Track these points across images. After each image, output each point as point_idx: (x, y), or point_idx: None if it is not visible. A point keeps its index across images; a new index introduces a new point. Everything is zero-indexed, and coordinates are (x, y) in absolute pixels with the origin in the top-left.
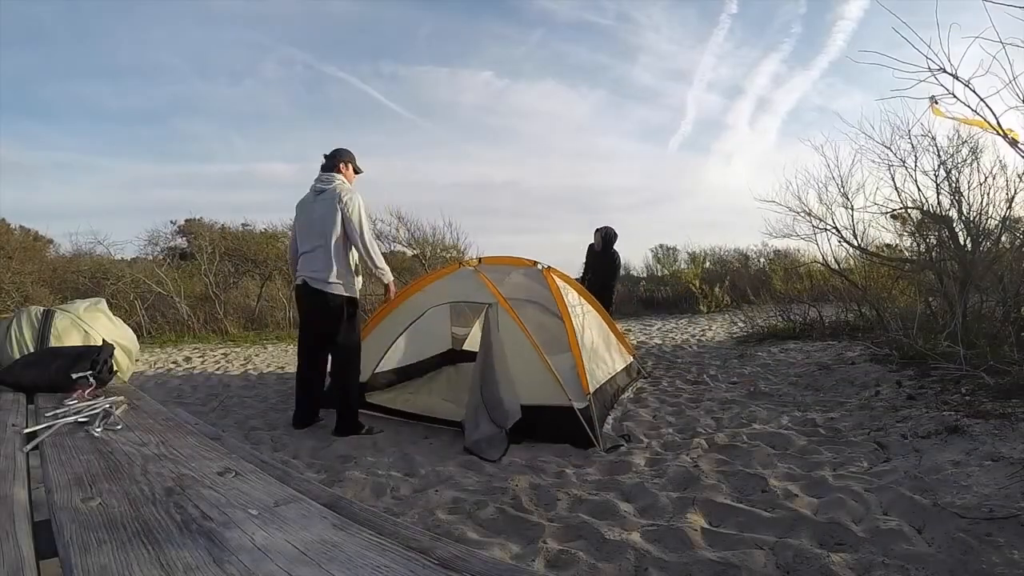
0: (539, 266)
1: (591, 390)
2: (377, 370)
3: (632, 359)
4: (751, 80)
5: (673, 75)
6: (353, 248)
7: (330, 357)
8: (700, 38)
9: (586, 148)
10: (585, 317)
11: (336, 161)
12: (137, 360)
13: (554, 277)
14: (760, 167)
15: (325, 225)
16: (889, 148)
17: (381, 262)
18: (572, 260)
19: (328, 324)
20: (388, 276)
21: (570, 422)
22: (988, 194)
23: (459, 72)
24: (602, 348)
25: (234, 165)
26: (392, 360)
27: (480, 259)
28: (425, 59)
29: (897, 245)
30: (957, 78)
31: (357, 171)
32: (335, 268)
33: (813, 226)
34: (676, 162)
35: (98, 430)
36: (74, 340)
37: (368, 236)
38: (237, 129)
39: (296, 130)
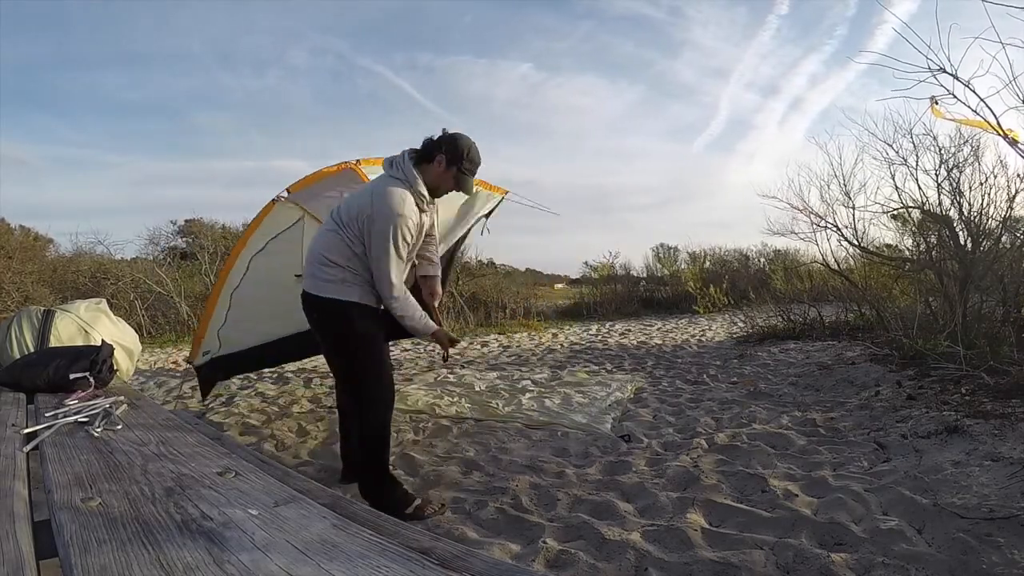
0: (350, 164)
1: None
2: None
3: None
4: (789, 80)
5: (713, 72)
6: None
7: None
8: (746, 35)
9: (611, 147)
10: None
11: (433, 150)
12: (137, 360)
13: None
14: (781, 167)
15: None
16: (891, 146)
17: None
18: (578, 259)
19: (332, 347)
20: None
21: None
22: (989, 194)
23: (498, 63)
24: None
25: (250, 161)
26: (253, 335)
27: (288, 189)
28: (464, 49)
29: (897, 245)
30: (957, 78)
31: (460, 168)
32: (331, 260)
33: (814, 224)
34: (699, 162)
35: (98, 430)
36: (75, 340)
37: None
38: (257, 123)
39: (318, 125)
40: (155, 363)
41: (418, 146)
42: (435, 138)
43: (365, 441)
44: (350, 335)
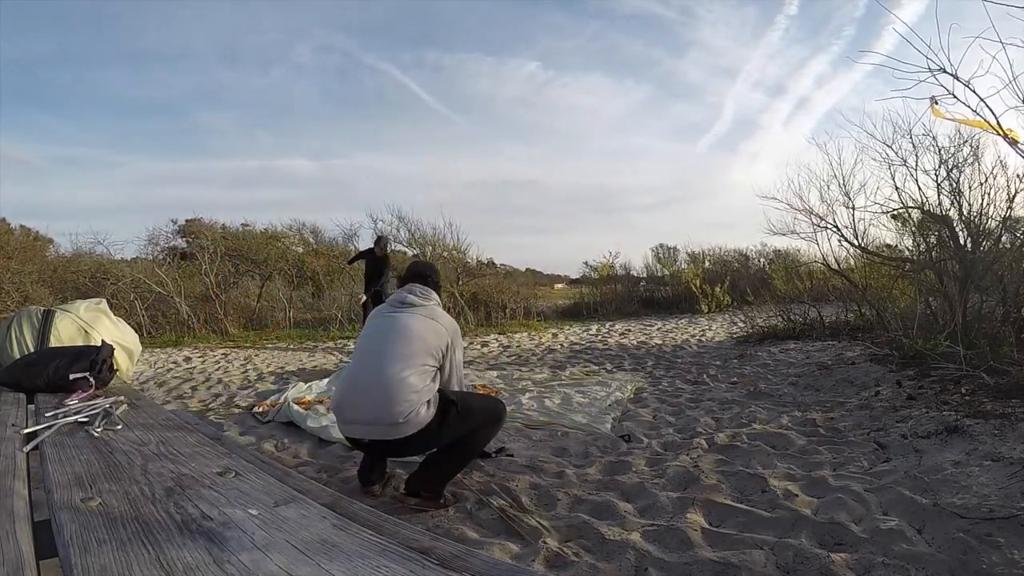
0: None
1: None
2: None
3: None
4: (795, 80)
5: (720, 72)
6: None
7: None
8: (755, 35)
9: (615, 146)
10: None
11: (436, 280)
12: (137, 360)
13: None
14: (785, 167)
15: (422, 340)
16: (890, 147)
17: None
18: (578, 259)
19: (451, 436)
20: None
21: None
22: (988, 194)
23: (505, 61)
24: None
25: (252, 161)
26: None
27: None
28: (472, 47)
29: (897, 245)
30: (957, 78)
31: None
32: (422, 399)
33: (814, 224)
34: (702, 162)
35: (98, 430)
36: (75, 341)
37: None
38: (260, 122)
39: (323, 124)
40: (155, 363)
41: (425, 146)
42: (430, 276)
43: (468, 449)
44: (452, 410)
